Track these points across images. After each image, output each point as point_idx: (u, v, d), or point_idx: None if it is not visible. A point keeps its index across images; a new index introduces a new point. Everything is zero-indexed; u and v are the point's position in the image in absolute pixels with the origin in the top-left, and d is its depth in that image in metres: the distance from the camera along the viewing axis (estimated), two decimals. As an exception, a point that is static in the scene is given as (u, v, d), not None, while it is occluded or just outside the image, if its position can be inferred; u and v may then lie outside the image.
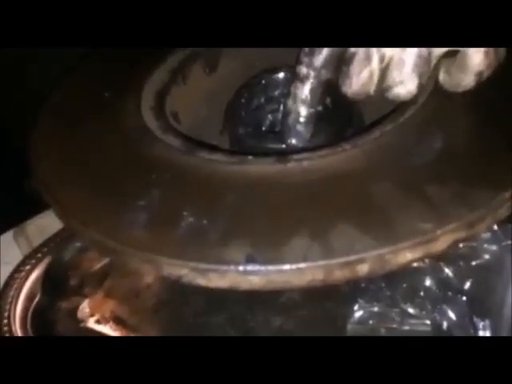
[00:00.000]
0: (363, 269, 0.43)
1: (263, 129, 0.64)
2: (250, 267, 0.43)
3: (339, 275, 0.43)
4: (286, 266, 0.43)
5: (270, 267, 0.43)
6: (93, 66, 0.65)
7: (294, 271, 0.43)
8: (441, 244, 0.44)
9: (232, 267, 0.43)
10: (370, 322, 0.53)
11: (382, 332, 0.53)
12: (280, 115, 0.64)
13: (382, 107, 0.55)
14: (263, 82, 0.63)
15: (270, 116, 0.64)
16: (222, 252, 0.44)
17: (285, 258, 0.43)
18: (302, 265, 0.42)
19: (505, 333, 0.51)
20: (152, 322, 0.59)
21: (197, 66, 0.65)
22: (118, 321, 0.59)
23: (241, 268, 0.43)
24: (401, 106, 0.53)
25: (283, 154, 0.51)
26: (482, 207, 0.45)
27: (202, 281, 0.44)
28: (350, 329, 0.53)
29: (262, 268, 0.43)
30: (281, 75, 0.63)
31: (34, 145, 0.56)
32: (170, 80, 0.62)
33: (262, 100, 0.64)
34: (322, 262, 0.42)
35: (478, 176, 0.47)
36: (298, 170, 0.49)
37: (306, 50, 0.50)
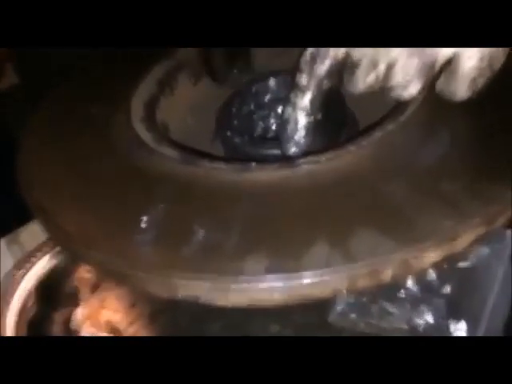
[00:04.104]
0: (387, 274, 0.41)
1: (255, 135, 0.63)
2: (271, 280, 0.41)
3: (363, 282, 0.41)
4: (309, 278, 0.41)
5: (293, 280, 0.41)
6: (76, 80, 0.63)
7: (317, 282, 0.41)
8: (463, 242, 0.43)
9: (253, 282, 0.41)
10: (351, 315, 0.53)
11: (362, 326, 0.53)
12: (271, 121, 0.64)
13: (376, 108, 0.55)
14: (253, 89, 0.61)
15: (261, 122, 0.63)
16: (240, 267, 0.42)
17: (306, 268, 0.41)
18: (325, 275, 0.41)
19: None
20: (148, 331, 0.58)
21: (183, 76, 0.63)
22: (112, 330, 0.58)
23: (262, 281, 0.41)
24: (400, 104, 0.52)
25: (288, 159, 0.50)
26: (499, 201, 0.44)
27: (220, 300, 0.42)
28: (331, 320, 0.54)
29: (284, 281, 0.41)
30: (270, 82, 0.61)
31: (23, 167, 0.53)
32: (157, 91, 0.60)
33: (252, 107, 0.62)
34: (345, 271, 0.41)
35: (489, 170, 0.46)
36: (305, 175, 0.48)
37: (307, 58, 0.49)
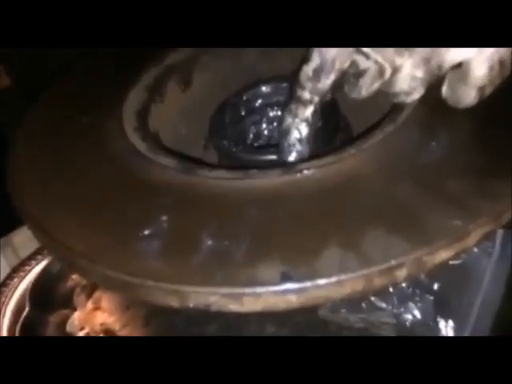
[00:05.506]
0: (401, 274, 0.41)
1: (248, 142, 0.62)
2: (286, 285, 0.40)
3: (378, 283, 0.41)
4: (324, 280, 0.40)
5: (308, 283, 0.40)
6: (69, 83, 0.61)
7: (332, 284, 0.40)
8: (472, 239, 0.43)
9: (267, 288, 0.40)
10: (341, 310, 0.54)
11: (351, 320, 0.54)
12: (263, 126, 0.63)
13: (366, 110, 0.55)
14: (244, 97, 0.61)
15: (253, 127, 0.63)
16: (253, 273, 0.41)
17: (321, 271, 0.41)
18: (341, 277, 0.40)
19: (467, 334, 0.52)
20: (143, 334, 0.57)
21: (172, 83, 0.62)
22: (108, 333, 0.58)
23: (277, 288, 0.40)
24: (397, 105, 0.52)
25: (291, 165, 0.50)
26: (505, 198, 0.44)
27: (234, 306, 0.41)
28: (322, 315, 0.54)
29: (300, 285, 0.40)
30: (261, 88, 0.61)
31: (15, 183, 0.51)
32: (148, 98, 0.59)
33: (243, 112, 0.62)
34: (361, 272, 0.41)
35: (492, 168, 0.46)
36: (309, 179, 0.47)
37: (310, 74, 0.48)
